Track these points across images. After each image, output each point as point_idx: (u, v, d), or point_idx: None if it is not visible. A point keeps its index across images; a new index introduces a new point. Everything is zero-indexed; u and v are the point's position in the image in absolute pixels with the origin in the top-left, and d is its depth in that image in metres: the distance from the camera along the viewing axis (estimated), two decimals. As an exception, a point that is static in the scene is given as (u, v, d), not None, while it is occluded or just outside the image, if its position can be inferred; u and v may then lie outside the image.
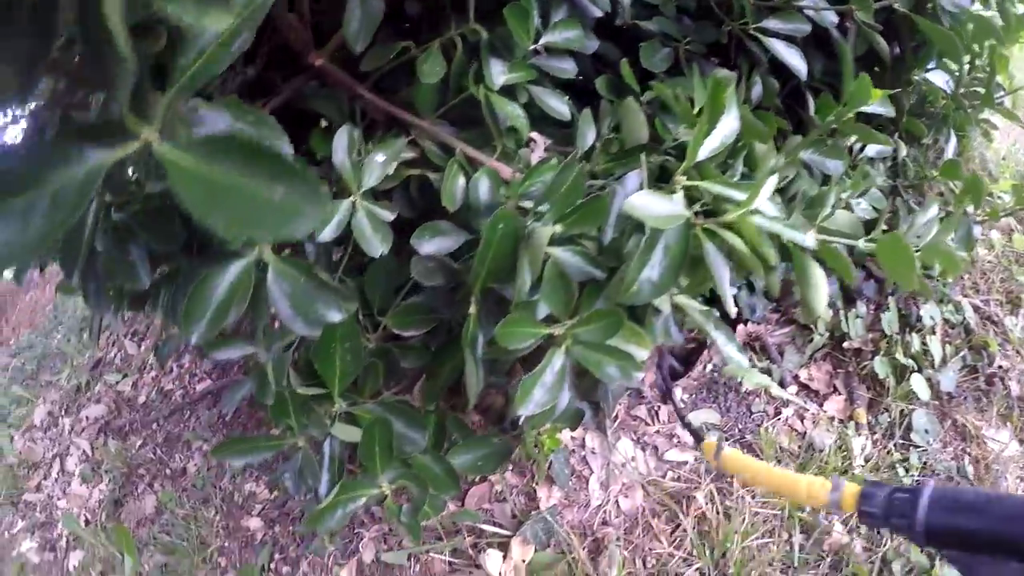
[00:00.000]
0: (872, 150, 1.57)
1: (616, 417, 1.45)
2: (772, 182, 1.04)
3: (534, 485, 1.37)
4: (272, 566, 1.55)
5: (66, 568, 1.88)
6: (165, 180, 1.04)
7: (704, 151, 0.95)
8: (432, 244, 1.09)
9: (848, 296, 1.59)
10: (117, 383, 2.31)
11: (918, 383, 1.41)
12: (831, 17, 1.36)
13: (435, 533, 1.37)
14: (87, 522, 1.96)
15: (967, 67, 1.71)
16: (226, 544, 1.66)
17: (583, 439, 1.41)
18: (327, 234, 1.03)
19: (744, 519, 1.24)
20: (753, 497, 1.28)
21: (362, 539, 1.45)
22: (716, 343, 1.10)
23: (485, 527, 1.32)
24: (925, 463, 1.34)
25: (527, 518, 1.31)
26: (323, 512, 1.01)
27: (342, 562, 1.44)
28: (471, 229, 1.15)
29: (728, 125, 0.98)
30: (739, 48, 1.45)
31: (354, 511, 1.05)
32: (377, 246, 1.04)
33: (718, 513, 1.27)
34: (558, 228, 1.00)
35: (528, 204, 1.07)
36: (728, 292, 0.96)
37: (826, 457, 1.33)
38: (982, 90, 1.71)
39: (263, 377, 1.22)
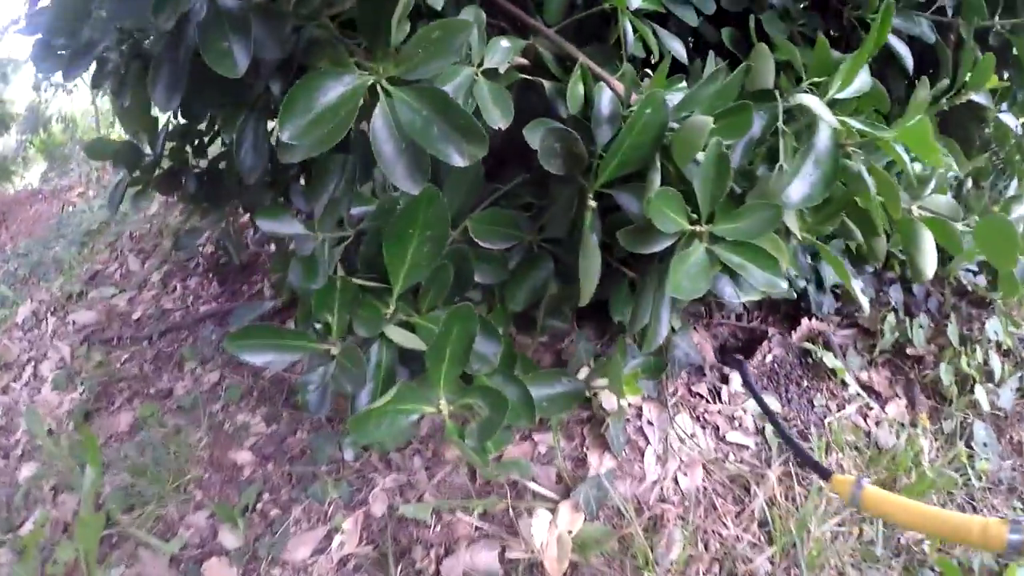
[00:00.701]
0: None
1: (675, 391, 1.16)
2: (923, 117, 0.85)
3: (584, 450, 1.07)
4: (258, 507, 1.20)
5: (15, 479, 1.46)
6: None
7: (848, 90, 0.85)
8: (547, 138, 0.82)
9: (908, 311, 1.35)
10: (112, 296, 1.92)
11: (981, 394, 1.21)
12: (926, 30, 1.20)
13: (463, 490, 1.05)
14: (50, 432, 1.55)
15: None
16: (207, 475, 1.30)
17: (640, 408, 1.12)
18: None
19: (818, 506, 0.97)
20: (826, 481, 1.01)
21: (373, 488, 1.11)
22: (849, 282, 0.87)
23: (530, 484, 1.01)
24: (989, 473, 1.12)
25: (575, 485, 1.00)
26: (371, 415, 0.70)
27: (345, 512, 1.10)
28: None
29: (863, 79, 0.87)
30: (849, 39, 1.27)
31: (405, 427, 0.73)
32: (497, 118, 0.81)
33: (787, 498, 0.99)
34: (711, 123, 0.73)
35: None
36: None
37: (897, 455, 1.08)
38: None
39: (310, 261, 0.90)
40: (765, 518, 0.99)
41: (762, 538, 0.97)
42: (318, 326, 0.93)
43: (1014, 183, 1.50)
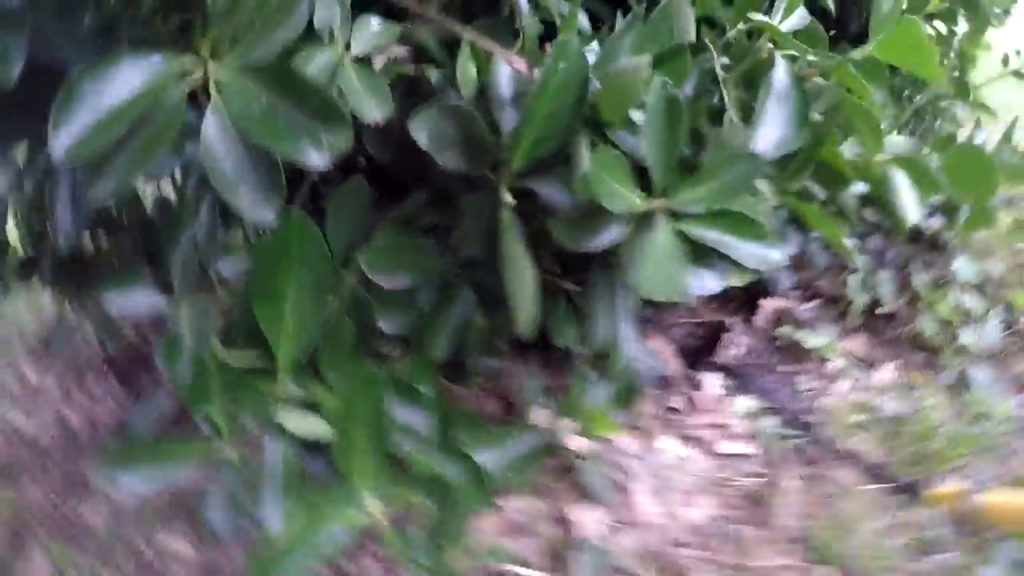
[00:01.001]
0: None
1: (647, 411, 0.96)
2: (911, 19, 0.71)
3: (562, 507, 0.84)
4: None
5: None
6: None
7: (787, 24, 0.70)
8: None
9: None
10: (12, 418, 1.58)
11: (968, 337, 1.12)
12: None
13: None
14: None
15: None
16: (134, 628, 1.00)
17: (612, 441, 0.91)
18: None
19: (857, 501, 0.78)
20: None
21: (335, 600, 0.86)
22: (839, 238, 0.72)
23: (512, 568, 0.77)
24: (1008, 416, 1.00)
25: (569, 551, 0.77)
26: (277, 558, 0.46)
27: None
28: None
29: (801, 13, 0.73)
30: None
31: (333, 548, 0.50)
32: (372, 109, 0.58)
33: (817, 501, 0.80)
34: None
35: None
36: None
37: (915, 423, 0.91)
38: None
39: (172, 341, 0.66)
40: (802, 532, 0.80)
41: (808, 557, 0.77)
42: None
43: (937, 125, 1.41)
